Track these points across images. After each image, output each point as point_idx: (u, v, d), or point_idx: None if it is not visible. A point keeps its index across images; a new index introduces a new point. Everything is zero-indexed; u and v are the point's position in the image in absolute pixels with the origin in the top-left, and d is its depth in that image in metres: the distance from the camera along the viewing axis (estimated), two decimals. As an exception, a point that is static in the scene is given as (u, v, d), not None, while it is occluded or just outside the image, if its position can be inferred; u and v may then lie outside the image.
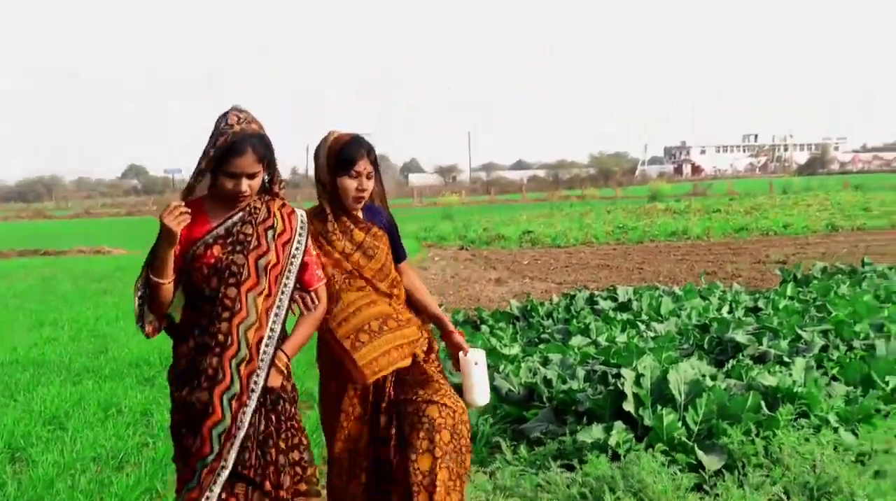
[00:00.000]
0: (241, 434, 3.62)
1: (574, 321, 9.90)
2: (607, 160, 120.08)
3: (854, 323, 8.50)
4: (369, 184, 4.15)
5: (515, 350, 8.40)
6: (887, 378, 6.67)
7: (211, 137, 3.66)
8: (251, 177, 3.66)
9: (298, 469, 3.83)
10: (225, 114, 3.70)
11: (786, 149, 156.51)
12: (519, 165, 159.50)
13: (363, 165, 4.10)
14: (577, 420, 6.22)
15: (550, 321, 10.37)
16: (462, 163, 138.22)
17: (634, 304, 10.78)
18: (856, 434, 5.89)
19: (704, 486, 5.21)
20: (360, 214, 4.23)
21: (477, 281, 17.94)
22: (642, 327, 9.21)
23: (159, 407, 7.88)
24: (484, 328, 10.12)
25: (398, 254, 4.40)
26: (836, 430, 5.89)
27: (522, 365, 7.56)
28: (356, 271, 4.16)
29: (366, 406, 4.23)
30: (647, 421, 5.89)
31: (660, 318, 9.80)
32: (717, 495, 4.99)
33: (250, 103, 3.78)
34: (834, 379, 6.86)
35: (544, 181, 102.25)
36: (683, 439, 5.69)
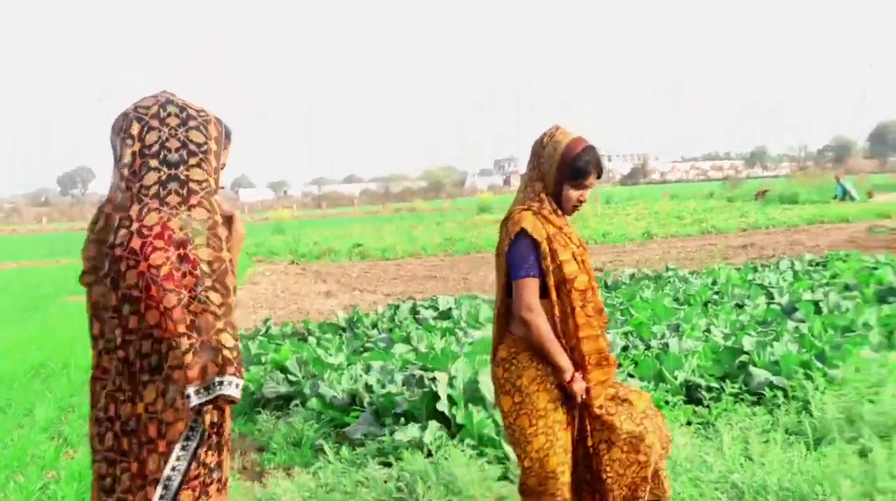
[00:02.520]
0: None
1: (397, 330, 10.37)
2: (438, 173, 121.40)
3: (653, 324, 9.23)
4: (588, 196, 4.08)
5: (340, 358, 8.79)
6: (676, 372, 7.35)
7: (193, 128, 3.01)
8: None
9: None
10: (173, 101, 3.05)
11: (609, 160, 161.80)
12: (351, 179, 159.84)
13: (592, 180, 4.02)
14: (396, 422, 6.64)
15: (375, 331, 10.80)
16: (293, 178, 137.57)
17: (454, 312, 11.33)
18: (647, 424, 6.51)
19: (509, 475, 5.71)
20: None
21: (307, 294, 18.24)
22: (461, 334, 9.73)
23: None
24: (311, 339, 10.46)
25: None
26: (629, 421, 6.49)
27: (345, 372, 7.96)
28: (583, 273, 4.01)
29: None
30: (460, 420, 6.37)
31: (478, 325, 10.35)
32: (520, 482, 5.48)
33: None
34: (630, 375, 7.49)
35: (376, 194, 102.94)
36: (492, 435, 6.20)
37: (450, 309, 11.60)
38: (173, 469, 2.91)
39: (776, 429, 6.13)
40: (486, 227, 35.54)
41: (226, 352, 2.81)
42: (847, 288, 11.59)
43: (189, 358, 2.76)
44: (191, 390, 2.76)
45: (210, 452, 2.99)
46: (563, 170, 3.95)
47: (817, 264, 15.13)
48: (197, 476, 2.95)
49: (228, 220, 3.04)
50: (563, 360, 3.91)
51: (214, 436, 3.00)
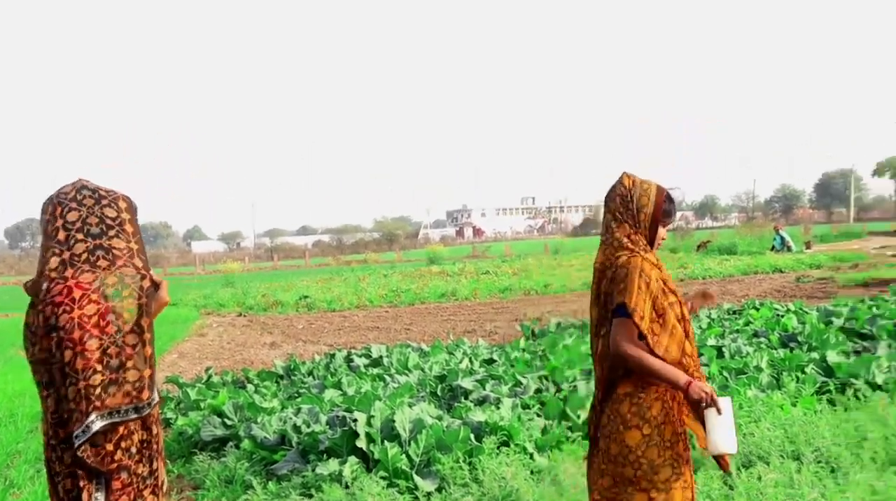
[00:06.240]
0: None
1: (330, 377, 11.00)
2: (391, 224, 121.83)
3: (567, 369, 9.92)
4: None
5: (275, 403, 9.39)
6: (579, 412, 8.05)
7: (105, 206, 3.81)
8: None
9: None
10: (86, 186, 3.84)
11: (562, 211, 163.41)
12: (304, 230, 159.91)
13: (675, 218, 4.51)
14: (319, 458, 7.26)
15: (311, 378, 11.41)
16: (246, 230, 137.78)
17: (385, 360, 11.98)
18: (548, 458, 7.21)
19: (417, 503, 6.36)
20: None
21: (252, 345, 18.77)
22: (389, 379, 10.37)
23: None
24: (249, 387, 11.03)
25: None
26: (531, 455, 7.19)
27: (277, 415, 8.57)
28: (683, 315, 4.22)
29: None
30: (377, 455, 7.01)
31: (406, 372, 10.99)
32: (426, 509, 6.13)
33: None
34: (538, 414, 8.18)
35: (328, 246, 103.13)
36: (405, 468, 6.84)
37: (381, 357, 12.26)
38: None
39: (661, 461, 6.82)
40: (432, 278, 36.18)
41: (126, 387, 3.59)
42: (756, 334, 12.37)
43: (98, 390, 3.47)
44: (93, 416, 3.51)
45: (141, 464, 3.70)
46: (658, 213, 4.27)
47: (734, 312, 15.96)
48: (130, 484, 3.65)
49: (156, 285, 3.78)
50: (675, 371, 4.03)
51: (144, 451, 3.72)
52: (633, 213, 4.26)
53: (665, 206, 4.29)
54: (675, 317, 4.12)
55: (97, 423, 3.55)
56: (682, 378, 3.99)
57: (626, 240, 4.22)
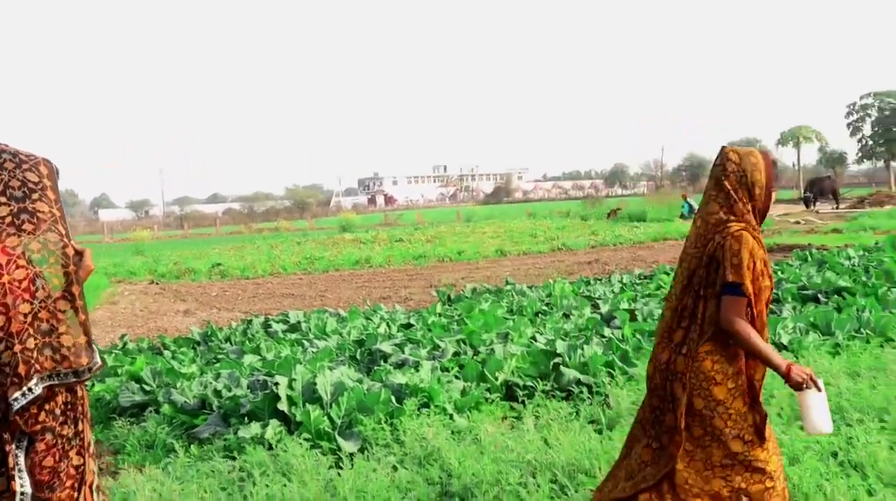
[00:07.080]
0: None
1: (248, 342, 11.02)
2: (302, 192, 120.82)
3: (484, 333, 10.10)
4: None
5: (193, 369, 9.39)
6: (497, 373, 8.22)
7: (27, 170, 3.75)
8: None
9: None
10: (5, 150, 3.76)
11: (473, 179, 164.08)
12: (214, 198, 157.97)
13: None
14: (241, 421, 7.31)
15: (228, 344, 11.41)
16: (155, 198, 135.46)
17: (303, 325, 12.04)
18: (467, 418, 7.36)
19: (341, 464, 6.45)
20: None
21: (166, 313, 18.61)
22: (307, 344, 10.43)
23: None
24: (166, 353, 10.99)
25: None
26: (451, 416, 7.33)
27: (196, 380, 8.58)
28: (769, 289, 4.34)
29: None
30: (299, 417, 7.09)
31: (325, 337, 11.07)
32: (349, 469, 6.22)
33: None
34: (456, 377, 8.33)
35: (239, 214, 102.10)
36: (328, 429, 6.94)
37: (299, 322, 12.31)
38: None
39: (577, 419, 7.03)
40: (346, 246, 36.19)
41: (63, 351, 3.59)
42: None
43: (35, 354, 3.48)
44: (35, 380, 3.51)
45: (66, 425, 3.71)
46: (770, 183, 4.28)
47: (646, 277, 16.33)
48: (55, 445, 3.65)
49: (80, 254, 3.78)
50: (777, 355, 4.21)
51: (69, 412, 3.72)
52: (748, 188, 4.27)
53: (776, 173, 4.37)
54: (764, 302, 4.24)
55: (39, 386, 3.55)
56: (783, 362, 4.16)
57: (735, 210, 4.24)
